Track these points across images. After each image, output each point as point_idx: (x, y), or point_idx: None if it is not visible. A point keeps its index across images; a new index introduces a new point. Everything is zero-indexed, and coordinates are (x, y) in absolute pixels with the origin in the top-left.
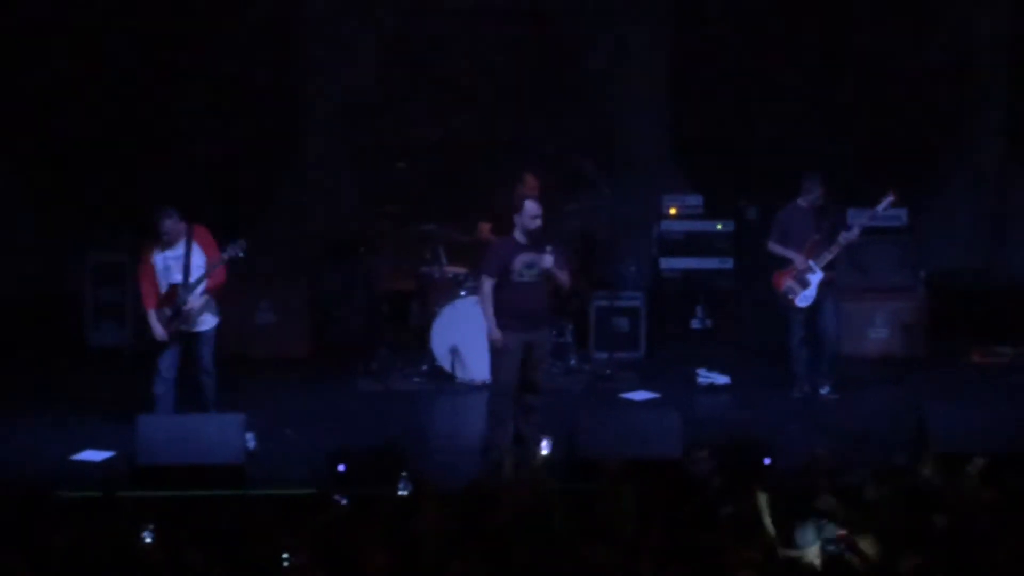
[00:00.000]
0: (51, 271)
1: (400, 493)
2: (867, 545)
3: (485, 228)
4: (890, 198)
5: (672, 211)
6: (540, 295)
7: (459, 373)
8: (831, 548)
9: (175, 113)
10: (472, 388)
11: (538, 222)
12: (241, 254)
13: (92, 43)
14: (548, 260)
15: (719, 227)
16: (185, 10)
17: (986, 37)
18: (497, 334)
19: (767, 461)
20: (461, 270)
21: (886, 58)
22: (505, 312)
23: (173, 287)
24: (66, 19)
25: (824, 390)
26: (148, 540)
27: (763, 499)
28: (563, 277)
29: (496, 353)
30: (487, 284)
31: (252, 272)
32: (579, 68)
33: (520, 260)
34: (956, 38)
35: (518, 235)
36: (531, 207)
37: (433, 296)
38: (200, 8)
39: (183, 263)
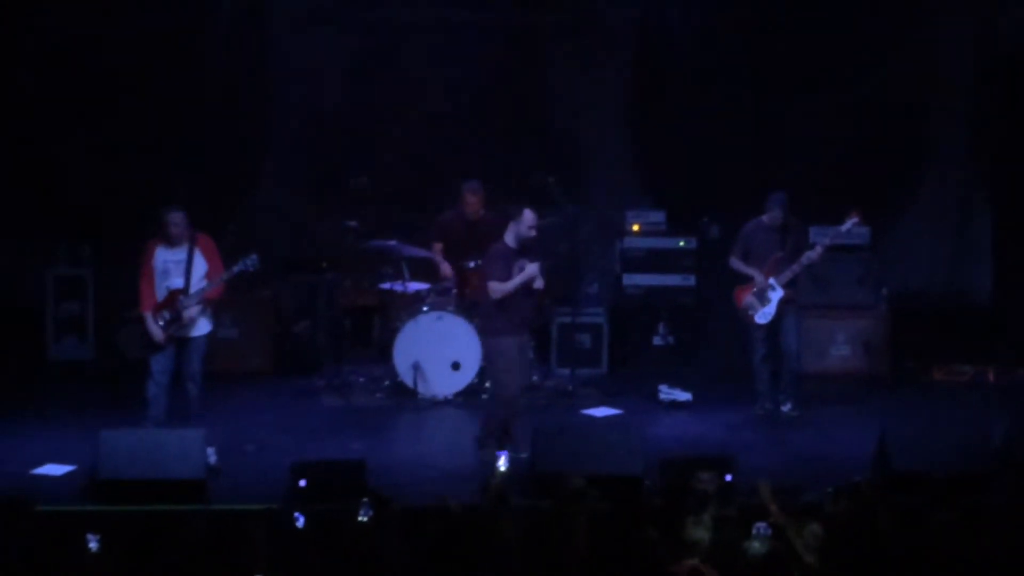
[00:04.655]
0: (12, 285)
1: (361, 519)
2: (801, 546)
3: (438, 247)
4: (854, 219)
5: (635, 228)
6: (530, 300)
7: (421, 389)
8: (757, 546)
9: (138, 129)
10: (433, 404)
11: (534, 232)
12: (251, 269)
13: (54, 57)
14: (536, 267)
15: (682, 244)
16: (148, 26)
17: (951, 59)
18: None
19: (729, 478)
20: (423, 286)
21: (850, 78)
22: (501, 317)
23: (173, 292)
24: (26, 37)
25: (786, 407)
26: (94, 547)
27: (766, 489)
28: (542, 283)
29: (500, 359)
30: (498, 287)
31: None
32: (542, 85)
33: (516, 267)
34: (920, 59)
35: (510, 241)
36: (529, 216)
37: (395, 312)
38: (164, 24)
39: (185, 268)
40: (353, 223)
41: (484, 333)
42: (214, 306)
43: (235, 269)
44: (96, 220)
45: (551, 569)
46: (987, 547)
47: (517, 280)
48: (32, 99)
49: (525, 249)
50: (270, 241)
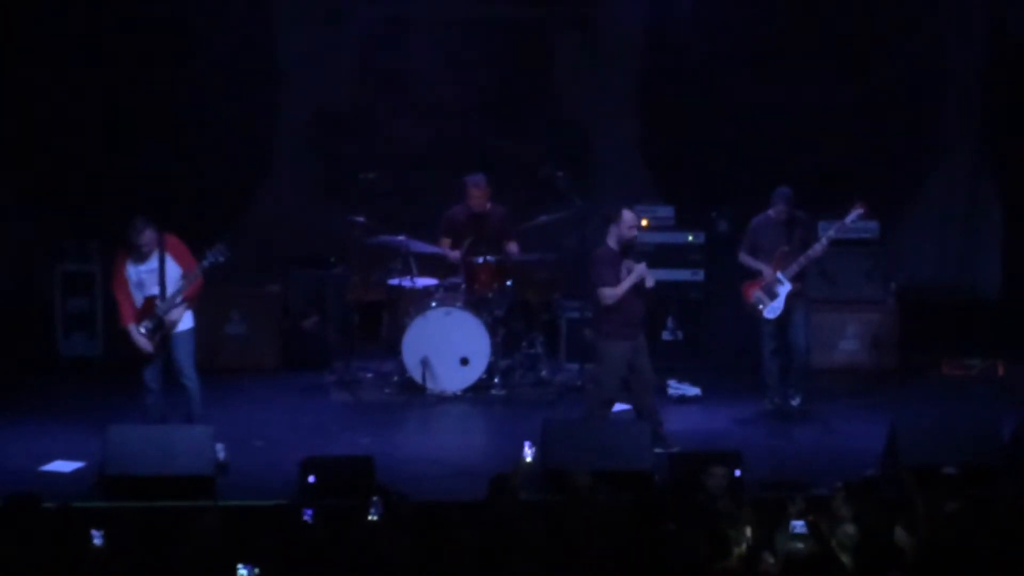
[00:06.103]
0: (21, 282)
1: (371, 517)
2: (836, 545)
3: (446, 242)
4: (859, 210)
5: (643, 222)
6: (640, 300)
7: (430, 384)
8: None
9: (145, 123)
10: (442, 399)
11: (635, 231)
12: (222, 258)
13: (62, 54)
14: (643, 267)
15: (690, 239)
16: (156, 20)
17: (960, 50)
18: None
19: (737, 473)
20: (432, 281)
21: (859, 70)
22: (613, 320)
23: (150, 300)
24: (36, 31)
25: (795, 402)
26: (98, 542)
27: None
28: (652, 281)
29: (609, 362)
30: (610, 292)
31: (223, 282)
32: (550, 79)
33: (624, 268)
34: (929, 51)
35: (612, 244)
36: (629, 217)
37: (404, 307)
38: (172, 17)
39: (158, 276)
40: (361, 218)
41: (595, 336)
42: (195, 303)
43: (205, 264)
44: (104, 216)
45: (563, 565)
46: (996, 540)
47: (628, 282)
48: (39, 96)
49: (627, 250)
50: (278, 237)
